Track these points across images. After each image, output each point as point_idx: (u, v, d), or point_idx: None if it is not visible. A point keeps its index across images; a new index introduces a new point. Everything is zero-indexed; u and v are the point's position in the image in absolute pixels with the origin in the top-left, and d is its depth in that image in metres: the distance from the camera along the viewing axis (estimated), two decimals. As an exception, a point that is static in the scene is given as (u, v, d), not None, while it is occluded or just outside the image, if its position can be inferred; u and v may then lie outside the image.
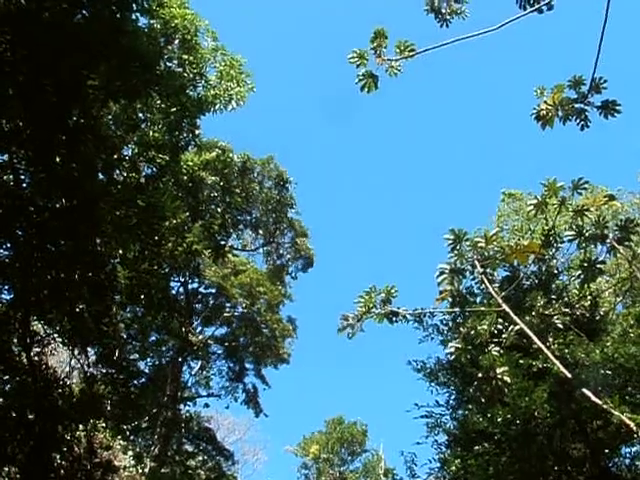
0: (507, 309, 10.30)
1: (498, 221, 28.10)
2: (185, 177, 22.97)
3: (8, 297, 16.87)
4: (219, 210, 29.18)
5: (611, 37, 8.03)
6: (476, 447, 19.42)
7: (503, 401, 17.45)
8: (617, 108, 9.58)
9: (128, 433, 28.99)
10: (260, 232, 38.99)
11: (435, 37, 9.17)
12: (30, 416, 17.17)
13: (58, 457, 18.27)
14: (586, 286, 18.81)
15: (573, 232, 11.07)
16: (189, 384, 38.19)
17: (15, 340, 17.53)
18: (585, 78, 9.46)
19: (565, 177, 11.01)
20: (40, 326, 18.94)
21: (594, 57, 8.41)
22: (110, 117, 18.54)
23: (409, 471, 22.57)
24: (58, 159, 15.27)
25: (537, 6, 8.84)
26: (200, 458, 37.13)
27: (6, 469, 17.03)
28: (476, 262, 11.00)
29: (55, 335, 18.65)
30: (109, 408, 21.57)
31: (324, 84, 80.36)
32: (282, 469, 72.00)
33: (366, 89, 9.92)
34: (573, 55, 49.88)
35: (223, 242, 22.41)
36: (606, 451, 18.49)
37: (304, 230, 39.10)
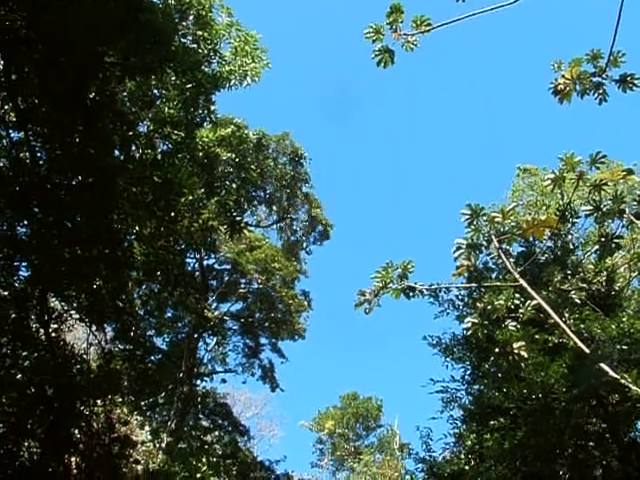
0: (524, 284, 10.29)
1: (513, 196, 28.08)
2: (201, 153, 22.90)
3: (26, 274, 16.98)
4: (234, 186, 29.17)
5: (630, 10, 7.95)
6: (492, 422, 19.52)
7: (519, 376, 17.52)
8: (635, 82, 9.52)
9: (145, 408, 29.38)
10: (274, 208, 38.95)
11: (449, 12, 9.13)
12: (49, 392, 17.34)
13: (77, 432, 18.49)
14: (602, 261, 18.81)
15: (590, 207, 11.02)
16: (205, 360, 38.40)
17: (33, 317, 17.67)
18: (603, 52, 9.39)
19: (578, 152, 10.95)
20: (57, 303, 19.09)
21: (612, 30, 8.34)
22: (125, 94, 18.52)
23: (424, 446, 22.75)
24: (75, 136, 15.29)
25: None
26: (216, 433, 37.39)
27: (26, 443, 17.24)
28: (493, 237, 10.97)
29: (72, 312, 18.77)
30: (126, 384, 21.81)
31: (340, 63, 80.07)
32: (298, 444, 72.13)
33: (382, 64, 9.91)
34: (591, 28, 49.32)
35: (239, 218, 22.37)
36: (623, 426, 18.49)
37: (319, 204, 38.99)
